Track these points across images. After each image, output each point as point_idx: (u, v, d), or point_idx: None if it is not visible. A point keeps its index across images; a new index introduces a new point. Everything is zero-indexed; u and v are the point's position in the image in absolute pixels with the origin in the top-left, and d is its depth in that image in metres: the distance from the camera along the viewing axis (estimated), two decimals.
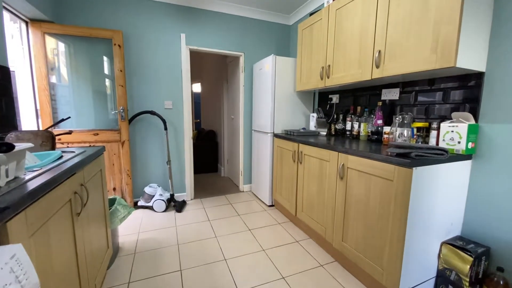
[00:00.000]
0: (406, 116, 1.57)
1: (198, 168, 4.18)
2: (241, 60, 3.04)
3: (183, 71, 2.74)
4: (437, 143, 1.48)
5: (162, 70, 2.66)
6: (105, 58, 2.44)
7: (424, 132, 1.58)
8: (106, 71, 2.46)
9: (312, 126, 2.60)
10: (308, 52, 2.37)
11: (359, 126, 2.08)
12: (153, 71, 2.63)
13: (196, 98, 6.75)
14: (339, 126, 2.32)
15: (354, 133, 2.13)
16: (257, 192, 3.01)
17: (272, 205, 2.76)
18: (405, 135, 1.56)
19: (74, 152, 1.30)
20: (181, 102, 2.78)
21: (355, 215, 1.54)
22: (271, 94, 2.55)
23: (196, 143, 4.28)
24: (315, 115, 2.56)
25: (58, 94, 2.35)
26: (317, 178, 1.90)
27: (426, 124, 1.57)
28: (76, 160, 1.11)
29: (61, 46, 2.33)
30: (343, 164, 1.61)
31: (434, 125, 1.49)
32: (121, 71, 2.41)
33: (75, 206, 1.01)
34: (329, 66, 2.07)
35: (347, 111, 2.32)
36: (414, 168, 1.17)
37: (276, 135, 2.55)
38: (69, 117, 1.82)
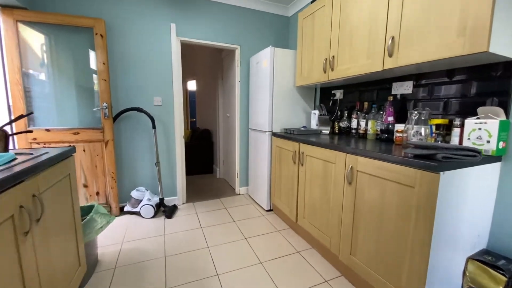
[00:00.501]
0: (424, 112, 1.37)
1: (192, 169, 3.96)
2: (237, 53, 2.83)
3: (173, 64, 2.52)
4: (461, 143, 1.29)
5: (150, 63, 2.44)
6: (88, 51, 2.21)
7: (444, 130, 1.39)
8: (89, 64, 2.23)
9: (314, 124, 2.40)
10: (309, 43, 2.16)
11: (367, 124, 1.89)
12: (140, 64, 2.41)
13: (191, 97, 6.54)
14: (343, 124, 2.12)
15: (361, 131, 1.94)
16: (254, 196, 2.81)
17: (270, 210, 2.56)
18: (422, 133, 1.36)
19: (32, 154, 1.09)
20: (171, 99, 2.57)
21: (366, 226, 1.34)
22: (269, 89, 2.35)
23: (190, 143, 4.06)
24: (316, 112, 2.36)
25: (35, 89, 2.12)
26: (321, 182, 1.70)
27: (446, 121, 1.38)
28: (27, 164, 0.89)
29: (40, 37, 2.10)
30: (351, 167, 1.41)
31: (457, 122, 1.29)
32: (104, 63, 2.19)
33: (20, 223, 0.80)
34: (333, 57, 1.87)
35: (352, 108, 2.12)
36: (441, 173, 0.98)
37: (274, 134, 2.35)
38: (31, 113, 1.60)
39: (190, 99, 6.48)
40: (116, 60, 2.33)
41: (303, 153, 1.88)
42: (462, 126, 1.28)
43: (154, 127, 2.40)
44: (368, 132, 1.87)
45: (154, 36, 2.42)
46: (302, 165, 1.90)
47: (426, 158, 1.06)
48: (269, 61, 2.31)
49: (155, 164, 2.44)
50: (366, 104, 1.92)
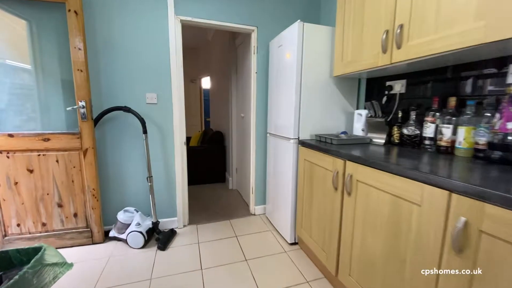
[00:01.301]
0: None
1: (201, 178, 3.43)
2: (253, 37, 2.21)
3: (171, 52, 1.97)
4: None
5: (142, 50, 1.91)
6: (64, 34, 1.73)
7: None
8: (67, 51, 1.75)
9: (359, 129, 1.72)
10: (356, 12, 1.49)
11: (455, 132, 1.18)
12: (130, 51, 1.89)
13: (205, 95, 6.07)
14: (409, 130, 1.42)
15: (443, 143, 1.23)
16: (274, 219, 2.19)
17: (295, 243, 1.92)
18: None
19: None
20: (169, 95, 2.02)
21: None
22: (296, 82, 1.71)
23: (200, 147, 3.54)
24: (363, 112, 1.68)
25: None
26: (388, 228, 1.04)
27: None
28: None
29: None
30: (466, 222, 0.74)
31: None
32: (79, 49, 1.69)
33: None
34: (400, 27, 1.19)
35: (420, 106, 1.42)
36: None
37: (303, 143, 1.71)
38: None
39: (204, 98, 6.04)
40: (98, 46, 1.82)
41: (351, 176, 1.22)
42: None
43: (145, 131, 1.86)
44: (458, 146, 1.17)
45: (147, 15, 1.89)
46: (349, 194, 1.25)
47: None
48: (297, 42, 1.67)
49: (147, 178, 1.91)
50: (452, 100, 1.22)
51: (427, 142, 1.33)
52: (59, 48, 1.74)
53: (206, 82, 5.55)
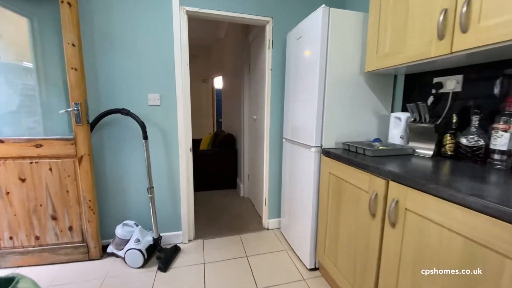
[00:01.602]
0: None
1: (211, 183, 3.22)
2: (268, 29, 1.95)
3: (176, 47, 1.76)
4: None
5: (143, 46, 1.71)
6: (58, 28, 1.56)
7: None
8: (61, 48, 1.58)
9: (396, 136, 1.41)
10: None
11: None
12: (130, 47, 1.69)
13: (218, 95, 5.90)
14: (469, 140, 1.10)
15: None
16: (289, 236, 1.92)
17: (315, 269, 1.64)
18: None
19: None
20: (173, 95, 1.81)
21: None
22: (319, 79, 1.43)
23: (210, 151, 3.33)
24: (403, 116, 1.37)
25: None
26: (455, 282, 0.74)
27: None
28: None
29: None
30: None
31: None
32: (73, 45, 1.51)
33: None
34: (467, 2, 0.88)
35: (478, 108, 1.10)
36: None
37: (327, 153, 1.42)
38: None
39: (216, 98, 5.87)
40: (95, 42, 1.64)
41: (396, 202, 0.93)
42: None
43: (145, 137, 1.66)
44: None
45: (149, 6, 1.68)
46: (393, 225, 0.95)
47: None
48: (320, 32, 1.39)
49: (147, 190, 1.71)
50: None
51: (496, 156, 1.01)
52: (60, 47, 1.57)
53: (218, 82, 5.36)
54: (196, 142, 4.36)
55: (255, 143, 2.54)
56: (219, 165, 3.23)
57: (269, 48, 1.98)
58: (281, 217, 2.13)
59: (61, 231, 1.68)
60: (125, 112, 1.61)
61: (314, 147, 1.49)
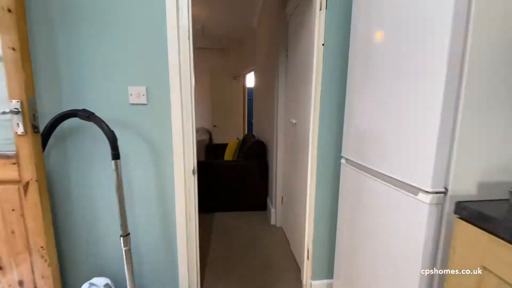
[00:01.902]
0: None
1: (233, 203, 2.56)
2: None
3: (168, 19, 1.11)
4: None
5: (120, 18, 1.10)
6: None
7: None
8: None
9: None
10: None
11: None
12: (101, 20, 1.09)
13: (249, 95, 5.25)
14: None
15: None
16: None
17: None
18: None
19: None
20: (166, 89, 1.16)
21: None
22: (449, 49, 0.61)
23: (233, 163, 2.67)
24: None
25: None
26: None
27: None
28: None
29: None
30: None
31: None
32: (9, 11, 0.96)
33: None
34: None
35: None
36: None
37: (469, 212, 0.60)
38: None
39: (248, 97, 5.23)
40: (52, 11, 1.08)
41: None
42: None
43: (116, 156, 1.02)
44: None
45: None
46: None
47: None
48: None
49: (121, 239, 1.09)
50: None
51: None
52: None
53: (250, 79, 4.71)
54: (221, 148, 3.77)
55: (293, 156, 1.78)
56: (244, 180, 2.55)
57: (320, 9, 1.21)
58: (334, 278, 1.34)
59: (10, 285, 1.17)
60: (85, 116, 1.00)
61: (431, 193, 0.68)
